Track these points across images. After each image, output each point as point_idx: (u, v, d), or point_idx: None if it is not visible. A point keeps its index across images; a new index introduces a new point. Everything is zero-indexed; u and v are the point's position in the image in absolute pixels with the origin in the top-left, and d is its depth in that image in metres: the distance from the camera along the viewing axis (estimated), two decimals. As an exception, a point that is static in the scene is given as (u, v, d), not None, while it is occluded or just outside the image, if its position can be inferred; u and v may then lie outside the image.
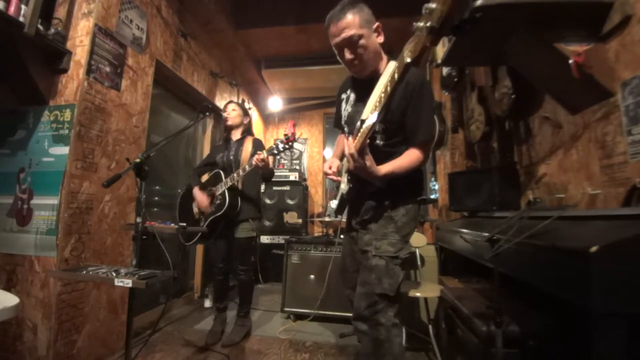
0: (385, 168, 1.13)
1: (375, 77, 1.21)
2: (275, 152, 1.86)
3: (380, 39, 1.20)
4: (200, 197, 2.13)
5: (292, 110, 4.78)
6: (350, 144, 1.06)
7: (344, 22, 1.13)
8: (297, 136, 1.99)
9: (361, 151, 1.05)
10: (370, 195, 1.27)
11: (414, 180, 1.28)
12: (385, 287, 1.19)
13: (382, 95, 1.04)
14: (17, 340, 1.57)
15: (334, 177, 1.34)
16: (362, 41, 1.13)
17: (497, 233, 1.01)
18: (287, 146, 1.85)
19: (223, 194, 2.06)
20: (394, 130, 1.21)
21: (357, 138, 1.10)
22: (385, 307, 1.20)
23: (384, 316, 1.20)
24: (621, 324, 0.67)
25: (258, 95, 4.45)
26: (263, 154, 1.87)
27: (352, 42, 1.14)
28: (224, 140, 2.34)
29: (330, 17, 1.17)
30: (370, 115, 1.08)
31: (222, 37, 3.17)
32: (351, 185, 1.31)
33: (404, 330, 1.80)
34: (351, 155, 1.05)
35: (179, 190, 2.55)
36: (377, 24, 1.18)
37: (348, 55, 1.17)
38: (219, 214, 2.03)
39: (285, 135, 1.90)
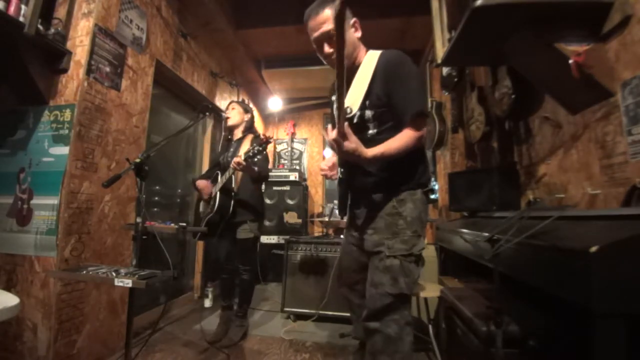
0: (373, 150, 1.07)
1: (354, 68, 1.23)
2: (251, 154, 1.86)
3: (358, 34, 1.24)
4: (203, 184, 2.18)
5: (292, 110, 4.78)
6: (329, 131, 1.01)
7: (321, 16, 1.16)
8: (272, 138, 2.04)
9: (342, 134, 0.98)
10: (373, 189, 1.23)
11: (416, 168, 1.22)
12: (402, 287, 1.15)
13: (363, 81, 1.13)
14: (17, 340, 1.57)
15: (328, 173, 1.35)
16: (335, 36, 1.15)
17: (497, 233, 1.01)
18: (260, 148, 1.86)
19: (215, 195, 2.10)
20: (384, 114, 1.18)
21: (338, 123, 1.01)
22: (401, 306, 1.17)
23: (400, 313, 1.16)
24: (621, 324, 0.66)
25: (258, 95, 4.45)
26: (240, 157, 1.88)
27: (330, 37, 1.15)
28: (225, 140, 2.36)
29: (309, 12, 1.19)
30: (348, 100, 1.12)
31: (222, 37, 3.16)
32: (342, 177, 1.30)
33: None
34: (334, 140, 0.99)
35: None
36: (354, 19, 1.22)
37: (327, 49, 1.19)
38: (211, 214, 2.08)
39: (264, 135, 1.91)
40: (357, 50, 1.25)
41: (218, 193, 2.07)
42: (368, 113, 1.19)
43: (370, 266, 1.23)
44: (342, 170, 1.31)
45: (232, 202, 2.11)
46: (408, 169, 1.20)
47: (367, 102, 1.19)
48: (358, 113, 1.21)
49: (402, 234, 1.17)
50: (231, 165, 1.90)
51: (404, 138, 1.11)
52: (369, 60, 1.20)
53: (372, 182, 1.23)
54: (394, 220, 1.18)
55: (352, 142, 1.00)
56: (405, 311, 1.17)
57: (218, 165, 2.30)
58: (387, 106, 1.16)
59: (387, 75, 1.15)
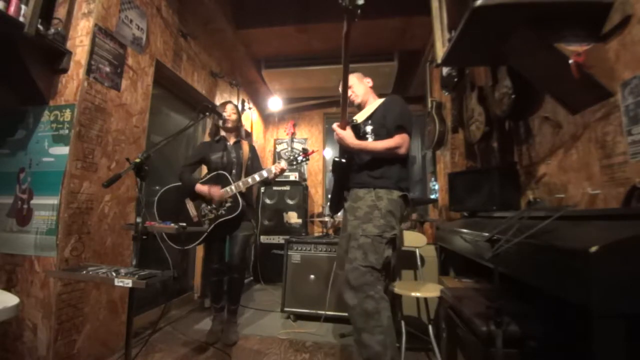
0: (359, 141, 1.60)
1: (364, 106, 1.81)
2: (295, 163, 2.12)
3: (370, 84, 1.84)
4: (212, 188, 2.05)
5: (292, 110, 4.77)
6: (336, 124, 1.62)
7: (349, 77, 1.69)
8: (314, 151, 2.35)
9: (343, 125, 1.60)
10: (359, 185, 1.61)
11: (397, 174, 1.59)
12: (372, 261, 1.43)
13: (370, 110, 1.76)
14: (17, 340, 1.57)
15: (337, 131, 1.68)
16: (353, 87, 1.78)
17: (497, 233, 1.01)
18: (304, 159, 2.13)
19: (235, 197, 2.06)
20: (380, 130, 1.65)
21: (342, 119, 1.62)
22: (374, 281, 1.41)
23: (373, 288, 1.40)
24: (621, 324, 0.66)
25: (258, 95, 4.45)
26: (283, 164, 2.08)
27: (350, 87, 1.76)
28: (217, 139, 2.30)
29: None
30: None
31: (222, 37, 3.16)
32: (339, 164, 1.71)
33: (403, 330, 1.82)
34: (334, 127, 1.63)
35: (157, 187, 2.41)
36: (366, 78, 1.85)
37: (349, 93, 1.75)
38: (229, 217, 2.04)
39: (304, 149, 2.05)
40: (369, 95, 1.81)
41: (239, 195, 2.05)
42: (369, 128, 1.68)
43: (348, 248, 1.51)
44: (341, 160, 1.69)
45: (241, 202, 2.11)
46: (389, 174, 1.58)
47: (370, 121, 1.69)
48: (362, 127, 1.70)
49: (376, 221, 1.49)
50: (275, 171, 2.07)
51: (389, 141, 1.56)
52: (376, 101, 1.77)
53: (359, 178, 1.62)
54: (371, 211, 1.52)
55: (347, 132, 1.60)
56: (379, 286, 1.42)
57: (202, 163, 2.29)
58: (383, 125, 1.64)
59: (386, 106, 1.70)
